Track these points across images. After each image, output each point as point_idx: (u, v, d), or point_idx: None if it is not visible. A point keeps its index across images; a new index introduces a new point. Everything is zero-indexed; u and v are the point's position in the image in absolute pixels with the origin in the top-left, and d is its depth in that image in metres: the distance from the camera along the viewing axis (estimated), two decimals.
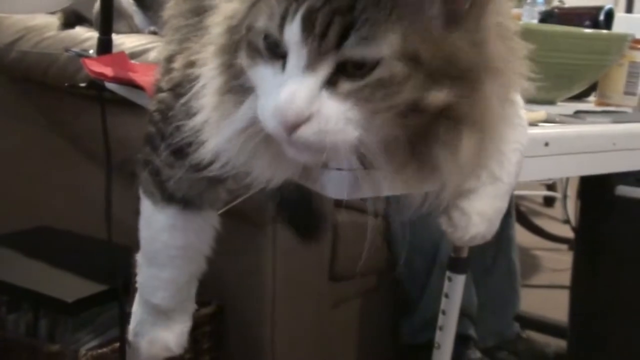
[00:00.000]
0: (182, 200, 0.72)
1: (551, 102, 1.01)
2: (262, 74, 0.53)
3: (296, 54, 0.50)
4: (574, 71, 0.96)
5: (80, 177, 1.64)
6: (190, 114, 0.60)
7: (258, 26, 0.52)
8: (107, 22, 1.04)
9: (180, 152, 0.66)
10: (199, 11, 0.64)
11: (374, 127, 0.51)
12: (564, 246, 2.92)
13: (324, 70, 0.50)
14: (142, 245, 0.77)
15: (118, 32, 1.49)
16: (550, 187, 3.60)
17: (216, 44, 0.58)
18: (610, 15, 1.41)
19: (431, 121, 0.52)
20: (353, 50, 0.49)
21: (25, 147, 1.75)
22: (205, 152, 0.58)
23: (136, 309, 0.79)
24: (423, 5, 0.50)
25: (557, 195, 3.51)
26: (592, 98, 1.16)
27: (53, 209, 1.69)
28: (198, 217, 0.74)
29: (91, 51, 1.09)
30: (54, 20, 1.64)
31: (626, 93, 1.06)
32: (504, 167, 0.60)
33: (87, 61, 0.94)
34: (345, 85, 0.50)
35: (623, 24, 1.09)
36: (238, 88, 0.56)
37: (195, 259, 0.76)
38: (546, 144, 0.67)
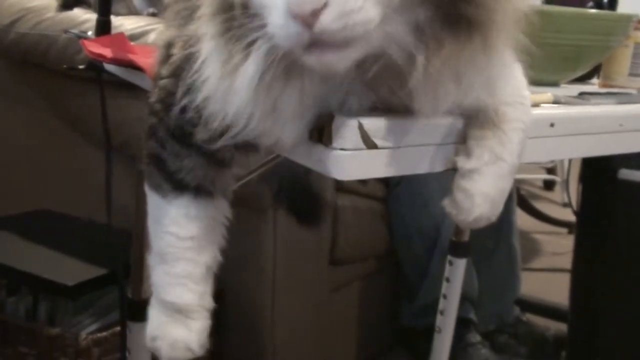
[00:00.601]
0: (194, 189, 0.70)
1: (555, 84, 0.99)
2: None
3: None
4: (578, 53, 0.95)
5: (80, 160, 1.63)
6: (194, 91, 0.58)
7: None
8: (105, 4, 1.02)
9: (187, 137, 0.64)
10: None
11: (394, 5, 0.49)
12: (564, 230, 2.93)
13: None
14: (152, 244, 0.73)
15: (117, 14, 1.48)
16: (550, 170, 3.60)
17: (209, 10, 0.55)
18: None
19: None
20: None
21: (24, 130, 1.74)
22: (226, 116, 0.56)
23: (152, 312, 0.75)
24: None
25: (557, 178, 3.51)
26: (595, 80, 1.15)
27: (52, 192, 1.69)
28: (211, 205, 0.71)
29: (90, 33, 1.08)
30: (52, 2, 1.62)
31: (631, 75, 1.05)
32: (505, 146, 0.59)
33: (86, 42, 0.92)
34: None
35: (629, 3, 1.08)
36: (242, 46, 0.53)
37: (211, 251, 0.72)
38: (551, 125, 0.66)
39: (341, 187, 1.62)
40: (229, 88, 0.54)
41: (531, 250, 2.74)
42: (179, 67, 0.64)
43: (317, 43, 0.48)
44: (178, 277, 0.71)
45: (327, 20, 0.47)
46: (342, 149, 0.54)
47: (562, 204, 3.23)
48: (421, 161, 0.59)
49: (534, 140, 0.64)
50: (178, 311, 0.72)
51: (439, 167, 0.60)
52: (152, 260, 0.74)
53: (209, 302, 0.73)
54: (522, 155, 0.61)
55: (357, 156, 0.54)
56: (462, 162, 0.59)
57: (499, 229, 1.94)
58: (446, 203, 0.60)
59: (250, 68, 0.53)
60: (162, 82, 0.67)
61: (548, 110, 0.69)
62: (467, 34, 0.51)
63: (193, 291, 0.72)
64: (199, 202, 0.70)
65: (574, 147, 0.68)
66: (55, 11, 1.61)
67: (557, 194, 3.50)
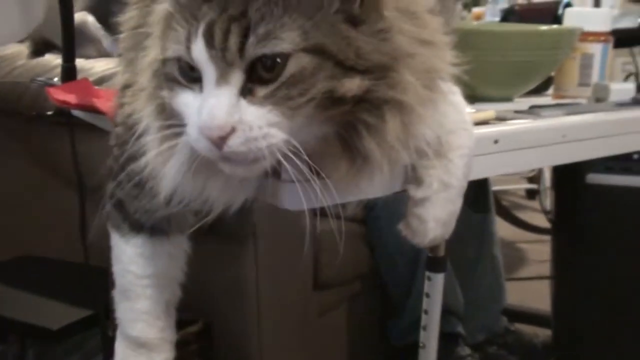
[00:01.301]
0: (150, 229, 0.73)
1: (509, 99, 1.03)
2: (184, 101, 0.55)
3: (207, 69, 0.52)
4: (527, 68, 0.98)
5: (58, 203, 1.64)
6: (139, 154, 0.62)
7: (169, 55, 0.54)
8: (69, 50, 1.05)
9: (141, 185, 0.67)
10: (144, 45, 0.66)
11: (299, 124, 0.53)
12: (547, 237, 2.94)
13: (237, 78, 0.52)
14: (115, 280, 0.77)
15: (87, 57, 1.50)
16: (532, 179, 3.63)
17: (147, 91, 0.60)
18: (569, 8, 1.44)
19: (354, 110, 0.53)
20: (255, 50, 0.51)
21: (1, 177, 1.75)
22: (160, 195, 0.61)
23: (118, 346, 0.79)
24: (320, 5, 0.52)
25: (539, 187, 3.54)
26: (550, 92, 1.18)
27: (32, 237, 1.69)
28: (167, 243, 0.75)
29: (56, 79, 1.10)
30: (24, 49, 1.65)
31: (580, 85, 1.08)
32: (452, 173, 0.63)
33: (51, 90, 0.95)
34: (261, 90, 0.52)
35: (574, 17, 1.12)
36: (174, 127, 0.58)
37: (169, 287, 0.77)
38: (495, 142, 0.69)
39: (321, 211, 1.64)
40: (160, 171, 0.59)
41: (517, 260, 2.76)
42: (129, 117, 0.67)
43: (227, 158, 0.53)
44: (140, 313, 0.75)
45: (234, 144, 0.52)
46: (292, 181, 0.56)
47: (543, 211, 3.26)
48: (373, 186, 0.61)
49: (479, 158, 0.67)
50: (142, 345, 0.75)
51: (395, 188, 0.63)
52: (116, 296, 0.77)
53: (171, 335, 0.77)
54: (468, 176, 0.64)
55: (309, 186, 0.57)
56: (414, 191, 0.63)
57: (480, 241, 1.96)
58: (402, 227, 0.64)
59: (178, 158, 0.58)
60: (117, 129, 0.70)
61: (491, 128, 0.72)
62: (395, 109, 0.54)
63: (155, 326, 0.75)
64: (154, 241, 0.73)
65: (518, 161, 0.71)
66: (27, 58, 1.63)
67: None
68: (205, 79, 0.53)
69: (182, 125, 0.56)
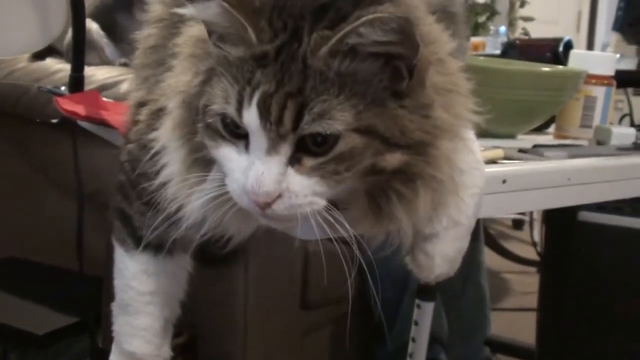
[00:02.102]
0: (155, 247, 0.73)
1: (512, 136, 1.04)
2: (227, 154, 0.56)
3: (258, 137, 0.53)
4: (532, 107, 1.00)
5: (51, 208, 1.63)
6: (153, 173, 0.63)
7: (214, 108, 0.55)
8: (79, 59, 1.05)
9: (152, 204, 0.67)
10: (164, 62, 0.66)
11: (339, 190, 0.55)
12: (533, 269, 2.96)
13: (287, 149, 0.53)
14: (116, 294, 0.77)
15: (89, 64, 1.50)
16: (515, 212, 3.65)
17: (173, 118, 0.60)
18: (569, 46, 1.47)
19: (389, 179, 0.55)
20: (309, 129, 0.52)
21: None
22: (182, 223, 0.61)
23: (112, 358, 0.79)
24: (372, 83, 0.53)
25: (526, 218, 3.56)
26: (551, 130, 1.20)
27: (24, 240, 1.68)
28: (170, 262, 0.75)
29: (63, 88, 1.10)
30: None
31: (582, 126, 1.10)
32: (462, 212, 0.64)
33: (59, 99, 0.95)
34: (309, 162, 0.53)
35: (579, 60, 1.14)
36: (201, 160, 0.59)
37: (169, 304, 0.77)
38: (504, 181, 0.70)
39: None
40: (184, 200, 0.60)
41: (501, 290, 2.77)
42: (144, 136, 0.67)
43: (267, 216, 0.54)
44: (138, 329, 0.75)
45: (278, 209, 0.54)
46: None
47: (531, 243, 3.28)
48: None
49: (487, 197, 0.68)
50: None
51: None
52: (115, 309, 0.77)
53: (166, 353, 0.77)
54: (477, 215, 0.65)
55: (322, 217, 0.57)
56: (423, 226, 0.63)
57: (467, 269, 1.97)
58: (408, 261, 0.65)
59: (205, 192, 0.58)
60: (129, 146, 0.70)
61: (500, 168, 0.73)
62: (428, 185, 0.57)
63: (151, 343, 0.76)
64: (158, 259, 0.73)
65: (526, 202, 0.72)
66: (27, 61, 1.62)
67: (527, 233, 3.54)
68: (254, 144, 0.54)
69: (210, 159, 0.57)
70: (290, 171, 0.53)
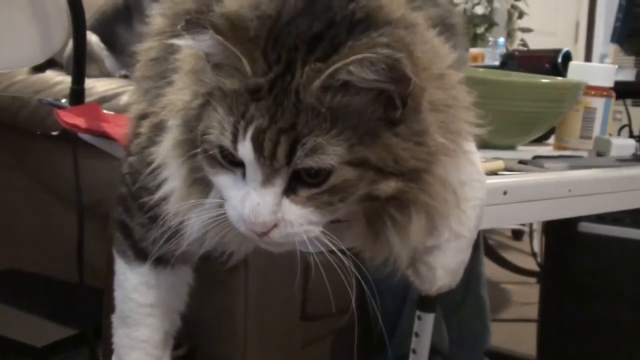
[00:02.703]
0: (156, 259, 0.73)
1: (512, 148, 1.04)
2: (224, 182, 0.56)
3: (253, 169, 0.54)
4: (532, 118, 1.00)
5: (51, 219, 1.63)
6: (153, 187, 0.63)
7: (211, 139, 0.55)
8: (80, 72, 1.05)
9: (153, 218, 0.67)
10: (165, 75, 0.66)
11: (334, 216, 0.56)
12: (533, 279, 2.96)
13: (281, 181, 0.54)
14: (116, 305, 0.77)
15: (89, 76, 1.50)
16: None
17: (174, 137, 0.60)
18: (567, 57, 1.47)
19: (384, 203, 0.56)
20: (302, 164, 0.53)
21: None
22: (182, 240, 0.62)
23: None
24: (364, 115, 0.54)
25: (525, 229, 3.56)
26: (551, 141, 1.20)
27: (24, 252, 1.68)
28: (171, 274, 0.75)
29: (64, 100, 1.11)
30: None
31: (582, 137, 1.10)
32: (464, 224, 0.64)
33: (60, 112, 0.95)
34: (304, 192, 0.54)
35: (578, 71, 1.14)
36: (202, 180, 0.59)
37: (169, 317, 0.77)
38: (504, 193, 0.70)
39: None
40: (185, 217, 0.61)
41: (501, 301, 2.77)
42: (145, 148, 0.67)
43: (266, 243, 0.56)
44: (138, 340, 0.75)
45: (275, 237, 0.55)
46: None
47: (531, 253, 3.27)
48: None
49: (488, 208, 0.68)
50: None
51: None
52: (114, 321, 0.77)
53: None
54: (479, 227, 0.65)
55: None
56: (420, 245, 0.63)
57: (467, 280, 1.96)
58: (410, 273, 0.64)
59: (206, 214, 0.59)
60: (131, 158, 0.70)
61: (501, 179, 0.73)
62: (422, 211, 0.57)
63: (151, 355, 0.75)
64: (159, 271, 0.74)
65: (526, 213, 0.72)
66: (27, 73, 1.63)
67: (526, 244, 3.54)
68: (249, 174, 0.54)
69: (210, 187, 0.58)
70: (286, 201, 0.54)
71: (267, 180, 0.54)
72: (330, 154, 0.52)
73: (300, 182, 0.54)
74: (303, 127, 0.52)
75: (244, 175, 0.55)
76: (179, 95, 0.60)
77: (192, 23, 0.54)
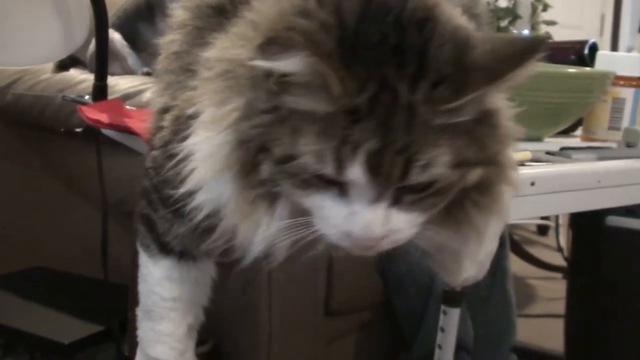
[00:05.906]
0: (179, 253, 0.73)
1: (539, 139, 1.03)
2: (320, 202, 0.55)
3: (361, 189, 0.53)
4: (559, 109, 0.99)
5: (76, 217, 1.64)
6: (177, 180, 0.62)
7: (305, 167, 0.53)
8: (102, 69, 1.06)
9: (179, 212, 0.66)
10: (188, 69, 0.66)
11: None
12: (559, 275, 2.92)
13: (390, 195, 0.54)
14: (140, 299, 0.77)
15: (112, 74, 1.51)
16: (544, 215, 3.61)
17: (229, 163, 0.56)
18: (594, 49, 1.45)
19: (467, 189, 0.57)
20: (417, 179, 0.53)
21: (20, 189, 1.76)
22: (210, 232, 0.62)
23: None
24: (462, 116, 0.54)
25: (551, 224, 3.52)
26: (578, 132, 1.18)
27: (49, 250, 1.69)
28: (194, 268, 0.75)
29: (87, 97, 1.11)
30: (49, 63, 1.66)
31: (610, 128, 1.09)
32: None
33: (83, 108, 0.95)
34: (409, 197, 0.54)
35: (606, 61, 1.12)
36: (265, 195, 0.57)
37: (193, 311, 0.77)
38: (532, 184, 0.69)
39: None
40: (237, 227, 0.59)
41: (527, 296, 2.74)
42: (168, 142, 0.67)
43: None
44: (162, 334, 0.75)
45: (382, 247, 0.55)
46: None
47: (556, 248, 3.23)
48: None
49: (516, 199, 0.67)
50: None
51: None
52: (139, 314, 0.77)
53: (191, 358, 0.77)
54: (507, 217, 0.64)
55: None
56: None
57: (493, 275, 1.94)
58: (434, 264, 0.64)
59: (277, 225, 0.58)
60: (154, 152, 0.70)
61: (529, 170, 0.72)
62: (499, 186, 0.59)
63: (175, 349, 0.76)
64: (182, 265, 0.73)
65: (554, 205, 0.71)
66: (52, 72, 1.64)
67: (551, 239, 3.50)
68: (356, 193, 0.53)
69: (275, 192, 0.57)
70: (393, 211, 0.54)
71: (377, 197, 0.53)
72: (440, 165, 0.52)
73: (405, 189, 0.54)
74: (417, 146, 0.52)
75: (341, 193, 0.54)
76: (212, 98, 0.57)
77: (277, 43, 0.50)
